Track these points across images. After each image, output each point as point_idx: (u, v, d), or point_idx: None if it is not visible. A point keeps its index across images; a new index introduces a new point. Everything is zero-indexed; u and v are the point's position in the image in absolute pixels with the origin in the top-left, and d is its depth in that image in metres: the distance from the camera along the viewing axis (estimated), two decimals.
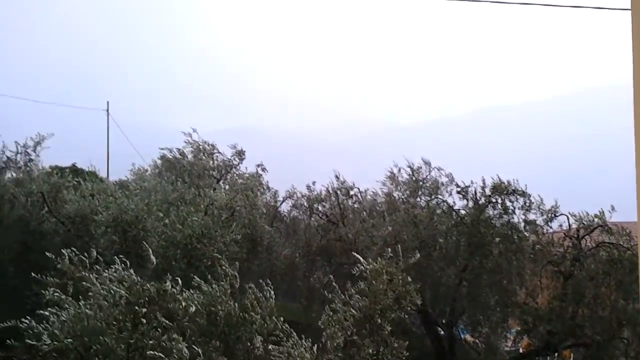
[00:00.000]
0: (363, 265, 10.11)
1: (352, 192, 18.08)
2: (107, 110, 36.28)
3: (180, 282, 8.48)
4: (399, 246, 10.55)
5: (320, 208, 18.21)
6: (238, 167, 20.65)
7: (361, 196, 18.14)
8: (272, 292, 8.51)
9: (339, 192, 17.75)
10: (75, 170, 20.44)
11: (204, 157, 19.11)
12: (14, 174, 17.29)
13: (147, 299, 7.56)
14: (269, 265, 16.98)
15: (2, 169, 17.13)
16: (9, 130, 18.61)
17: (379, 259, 10.21)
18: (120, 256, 8.83)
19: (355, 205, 17.96)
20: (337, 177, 17.81)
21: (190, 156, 19.52)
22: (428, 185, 16.79)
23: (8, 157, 17.20)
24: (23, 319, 7.72)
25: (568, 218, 15.53)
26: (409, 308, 9.42)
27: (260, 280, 8.90)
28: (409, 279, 9.79)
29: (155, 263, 8.97)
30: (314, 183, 18.75)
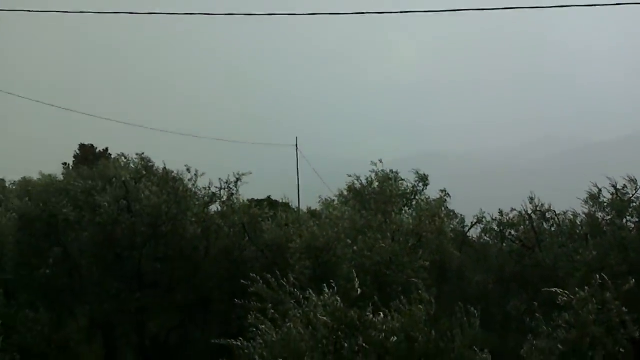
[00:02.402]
0: (567, 294, 9.31)
1: (548, 215, 16.81)
2: (296, 146, 38.34)
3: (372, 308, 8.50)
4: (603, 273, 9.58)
5: (513, 232, 17.22)
6: (422, 193, 20.52)
7: (558, 219, 16.77)
8: (477, 321, 8.10)
9: (533, 215, 16.63)
10: (271, 203, 21.85)
11: (388, 185, 19.23)
12: (219, 208, 18.96)
13: (348, 325, 7.68)
14: (459, 292, 16.42)
15: (207, 203, 18.87)
16: (213, 169, 20.47)
17: (585, 287, 9.35)
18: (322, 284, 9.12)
19: (552, 229, 16.66)
20: (531, 199, 16.71)
21: (375, 184, 19.79)
22: (637, 205, 15.02)
23: (213, 193, 18.96)
24: (233, 340, 8.26)
25: None
26: (625, 340, 8.41)
27: (457, 307, 8.57)
28: (624, 308, 8.80)
29: (358, 291, 9.06)
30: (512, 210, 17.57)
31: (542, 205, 16.61)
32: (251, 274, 10.39)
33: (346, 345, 7.51)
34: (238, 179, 19.00)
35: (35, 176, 22.75)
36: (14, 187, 25.28)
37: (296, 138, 38.43)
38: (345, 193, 20.62)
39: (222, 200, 18.95)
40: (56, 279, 16.84)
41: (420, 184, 20.72)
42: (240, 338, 8.26)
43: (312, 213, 20.77)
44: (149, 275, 16.82)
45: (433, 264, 15.10)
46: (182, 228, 17.25)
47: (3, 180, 26.88)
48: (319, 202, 21.22)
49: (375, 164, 19.69)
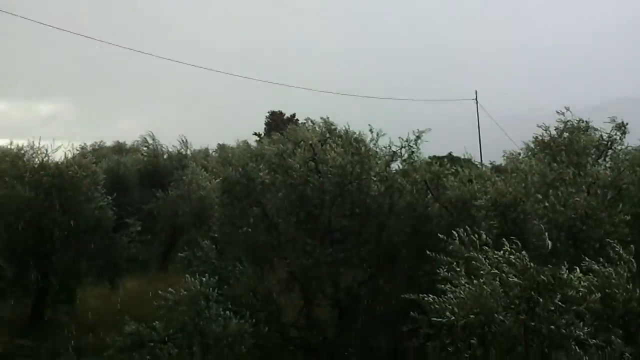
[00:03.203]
0: None
1: None
2: (476, 99, 37.37)
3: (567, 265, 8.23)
4: None
5: None
6: (620, 143, 18.82)
7: None
8: None
9: None
10: (452, 159, 21.64)
11: (580, 135, 17.95)
12: (400, 166, 19.29)
13: (541, 283, 7.56)
14: None
15: (389, 161, 19.26)
16: (394, 127, 20.75)
17: None
18: (503, 240, 9.03)
19: None
20: None
21: (565, 135, 18.59)
22: None
23: (394, 151, 19.29)
24: (424, 295, 8.56)
25: None
26: None
27: None
28: None
29: (549, 247, 8.84)
30: None
31: None
32: (437, 231, 10.54)
33: (541, 303, 7.41)
34: (418, 137, 19.05)
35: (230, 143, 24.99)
36: (215, 154, 28.11)
37: (475, 92, 37.44)
38: (532, 145, 19.68)
39: (403, 158, 19.21)
40: (256, 236, 18.46)
41: (617, 133, 18.99)
42: (430, 295, 8.51)
43: (495, 168, 20.22)
44: (338, 232, 17.76)
45: (636, 217, 13.97)
46: (366, 186, 17.83)
47: (207, 149, 29.91)
48: (503, 157, 20.52)
49: (563, 113, 18.48)
